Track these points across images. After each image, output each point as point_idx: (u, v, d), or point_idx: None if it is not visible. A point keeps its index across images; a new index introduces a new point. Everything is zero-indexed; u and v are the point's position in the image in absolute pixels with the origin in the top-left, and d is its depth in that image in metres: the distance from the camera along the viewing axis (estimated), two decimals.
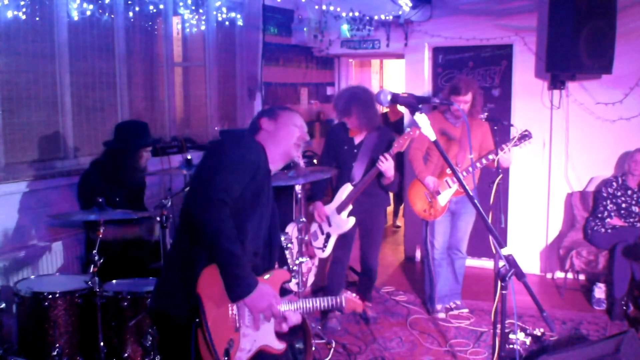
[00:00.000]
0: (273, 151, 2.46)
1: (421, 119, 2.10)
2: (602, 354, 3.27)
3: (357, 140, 4.48)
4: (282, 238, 3.86)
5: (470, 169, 4.40)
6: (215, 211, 2.14)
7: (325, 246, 4.47)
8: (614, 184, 5.14)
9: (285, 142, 2.48)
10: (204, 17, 5.52)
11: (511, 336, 3.94)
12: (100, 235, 3.13)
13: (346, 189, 4.36)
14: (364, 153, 4.42)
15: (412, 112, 2.13)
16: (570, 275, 5.44)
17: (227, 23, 5.76)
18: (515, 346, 3.86)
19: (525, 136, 4.27)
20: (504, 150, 4.21)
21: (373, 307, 4.86)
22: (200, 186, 2.23)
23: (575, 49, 5.02)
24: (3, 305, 3.11)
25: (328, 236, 4.46)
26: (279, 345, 2.43)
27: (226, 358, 2.23)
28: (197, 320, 2.20)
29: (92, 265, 3.05)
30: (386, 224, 8.14)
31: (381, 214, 4.72)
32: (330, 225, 4.42)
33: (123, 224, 3.70)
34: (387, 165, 4.14)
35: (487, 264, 5.97)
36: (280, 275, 2.49)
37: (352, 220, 4.32)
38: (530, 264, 5.92)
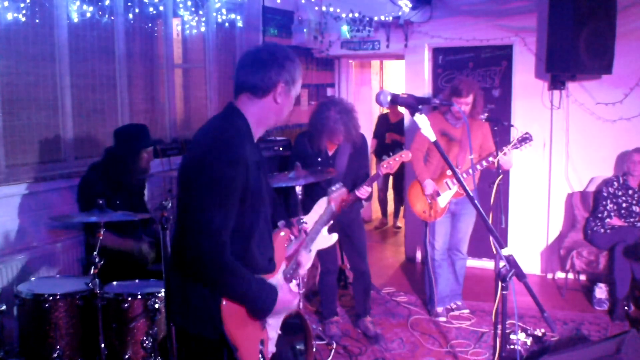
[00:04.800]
0: (267, 124, 2.20)
1: (421, 119, 2.10)
2: (603, 355, 3.26)
3: (331, 150, 4.31)
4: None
5: (471, 170, 4.40)
6: (211, 265, 1.94)
7: None
8: (615, 183, 5.14)
9: (284, 115, 2.22)
10: (203, 19, 5.52)
11: (512, 337, 3.94)
12: (101, 237, 3.13)
13: (324, 202, 3.89)
14: (340, 164, 4.26)
15: (412, 113, 2.13)
16: (571, 276, 5.43)
17: (227, 24, 5.76)
18: (516, 347, 3.86)
19: (525, 139, 4.25)
20: (504, 152, 4.21)
21: (374, 308, 4.86)
22: (189, 233, 1.96)
23: (575, 49, 5.02)
24: (4, 307, 3.11)
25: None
26: (295, 305, 2.30)
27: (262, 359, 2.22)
28: (228, 340, 2.07)
29: (93, 267, 3.05)
30: (367, 222, 8.16)
31: (358, 216, 4.50)
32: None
33: (121, 234, 3.70)
34: (368, 194, 4.05)
35: (487, 264, 5.97)
36: (280, 240, 2.37)
37: (335, 236, 3.93)
38: (531, 265, 5.92)
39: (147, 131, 3.91)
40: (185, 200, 2.02)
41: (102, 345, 3.09)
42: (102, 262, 3.09)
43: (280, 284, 2.25)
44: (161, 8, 5.03)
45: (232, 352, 2.07)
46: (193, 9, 5.34)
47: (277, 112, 2.18)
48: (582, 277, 5.60)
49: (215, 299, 2.03)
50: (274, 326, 2.30)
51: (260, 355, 2.18)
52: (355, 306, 4.71)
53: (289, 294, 2.22)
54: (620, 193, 5.11)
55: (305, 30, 6.28)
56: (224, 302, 2.03)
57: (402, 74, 6.51)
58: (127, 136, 3.80)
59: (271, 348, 2.27)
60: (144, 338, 3.19)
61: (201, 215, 1.93)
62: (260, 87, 2.11)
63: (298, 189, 3.89)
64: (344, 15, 6.15)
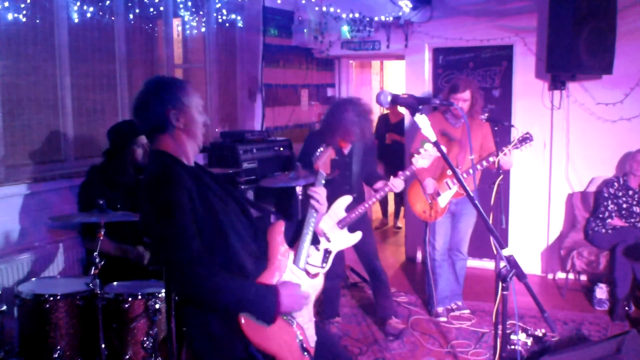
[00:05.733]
0: (190, 145, 2.25)
1: (421, 120, 2.10)
2: (604, 355, 3.27)
3: (346, 149, 4.32)
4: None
5: (471, 170, 4.39)
6: (191, 286, 2.01)
7: (324, 264, 3.89)
8: (615, 184, 5.14)
9: (199, 129, 2.26)
10: (204, 19, 5.53)
11: (512, 337, 3.94)
12: (101, 237, 3.13)
13: (345, 201, 3.94)
14: (356, 162, 4.31)
15: (412, 113, 2.13)
16: (571, 276, 5.43)
17: (227, 25, 5.76)
18: (516, 347, 3.85)
19: (526, 139, 4.24)
20: (504, 152, 4.20)
21: (373, 308, 4.85)
22: (167, 260, 2.05)
23: (576, 49, 5.02)
24: (4, 307, 3.11)
25: (327, 253, 3.87)
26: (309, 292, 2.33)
27: (306, 354, 2.24)
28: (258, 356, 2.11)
29: (93, 267, 3.05)
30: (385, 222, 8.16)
31: (365, 214, 4.41)
32: (329, 240, 3.91)
33: (120, 236, 3.70)
34: (399, 186, 4.11)
35: (488, 264, 5.97)
36: (274, 229, 2.35)
37: (359, 234, 3.94)
38: (531, 265, 5.91)
39: (134, 123, 3.91)
40: (154, 244, 2.11)
41: (103, 346, 3.09)
42: (102, 263, 3.09)
43: (292, 279, 2.26)
44: (161, 8, 5.03)
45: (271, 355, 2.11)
46: (193, 9, 5.34)
47: (190, 131, 2.25)
48: (583, 277, 5.60)
49: (233, 320, 2.08)
50: (304, 317, 2.29)
51: (302, 352, 2.22)
52: (377, 311, 4.62)
53: (292, 291, 2.20)
54: (620, 194, 5.11)
55: (305, 30, 6.28)
56: (243, 320, 2.08)
57: (402, 74, 6.51)
58: (118, 132, 3.82)
59: (311, 337, 2.30)
60: (144, 338, 3.19)
61: (168, 251, 2.02)
62: (157, 126, 2.21)
63: (298, 189, 3.89)
64: (344, 15, 6.15)
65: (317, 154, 2.85)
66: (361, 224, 4.24)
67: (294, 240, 2.41)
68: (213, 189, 2.19)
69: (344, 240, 3.96)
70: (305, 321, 2.30)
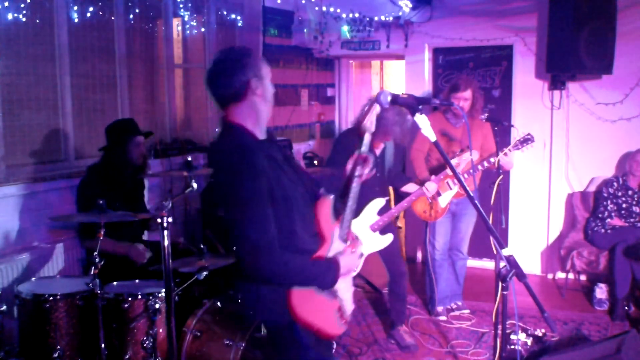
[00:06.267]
0: (264, 114, 2.29)
1: (421, 120, 2.10)
2: (604, 355, 3.27)
3: (378, 149, 4.20)
4: None
5: (472, 170, 4.39)
6: (269, 275, 2.12)
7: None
8: (615, 184, 5.14)
9: (272, 99, 2.30)
10: (204, 19, 5.53)
11: (512, 337, 3.95)
12: (101, 237, 3.12)
13: (377, 204, 3.93)
14: (387, 163, 4.26)
15: (412, 113, 2.13)
16: (571, 276, 5.43)
17: (227, 25, 5.76)
18: (516, 347, 3.86)
19: (527, 140, 4.22)
20: (505, 152, 4.20)
21: (374, 308, 4.85)
22: (240, 251, 2.12)
23: (576, 49, 5.02)
24: (4, 307, 3.10)
25: (360, 256, 3.81)
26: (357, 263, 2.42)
27: (342, 322, 2.33)
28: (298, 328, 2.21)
29: (93, 267, 3.05)
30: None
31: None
32: (361, 243, 3.89)
33: (120, 236, 3.70)
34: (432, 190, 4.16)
35: (488, 264, 5.97)
36: (323, 204, 2.38)
37: (390, 236, 3.90)
38: (531, 265, 5.92)
39: (133, 123, 3.93)
40: (229, 221, 2.15)
41: (102, 345, 3.09)
42: (102, 262, 3.09)
43: (340, 249, 2.33)
44: (161, 8, 5.03)
45: (308, 334, 2.22)
46: (193, 9, 5.34)
47: (264, 102, 2.28)
48: (583, 277, 5.60)
49: (282, 289, 2.18)
50: (344, 288, 2.36)
51: (340, 321, 2.31)
52: (391, 313, 4.49)
53: (349, 255, 2.32)
54: (620, 194, 5.11)
55: (305, 30, 6.28)
56: (292, 291, 2.18)
57: (402, 74, 6.51)
58: (114, 130, 3.84)
59: (349, 308, 2.39)
60: (144, 338, 3.18)
61: (245, 234, 2.07)
62: (237, 93, 2.22)
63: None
64: (344, 15, 6.15)
65: (362, 111, 2.77)
66: (389, 225, 4.24)
67: (336, 213, 2.46)
68: (286, 172, 2.25)
69: (376, 242, 3.98)
70: (345, 292, 2.37)
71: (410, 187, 4.34)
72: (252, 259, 2.09)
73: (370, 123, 2.50)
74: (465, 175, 4.43)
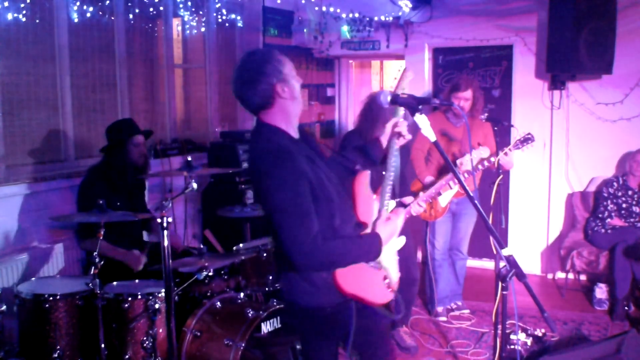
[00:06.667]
0: (296, 111, 2.31)
1: (421, 120, 2.10)
2: (604, 355, 3.26)
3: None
4: None
5: (471, 169, 4.39)
6: (320, 267, 2.19)
7: None
8: (615, 184, 5.14)
9: (300, 93, 2.30)
10: (204, 19, 5.53)
11: (512, 337, 3.94)
12: (101, 237, 3.12)
13: (389, 207, 3.89)
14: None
15: (412, 113, 2.13)
16: (571, 276, 5.43)
17: (227, 25, 5.76)
18: (516, 347, 3.86)
19: (527, 139, 4.21)
20: (505, 152, 4.20)
21: None
22: (288, 252, 2.14)
23: (575, 49, 5.02)
24: (4, 307, 3.10)
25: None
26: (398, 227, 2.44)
27: (389, 290, 2.39)
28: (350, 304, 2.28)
29: (93, 267, 3.05)
30: None
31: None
32: None
33: (120, 237, 3.70)
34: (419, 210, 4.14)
35: (488, 264, 5.97)
36: (360, 179, 2.44)
37: (403, 239, 3.89)
38: (531, 265, 5.91)
39: (132, 122, 3.94)
40: (273, 224, 2.17)
41: (102, 345, 3.09)
42: (102, 262, 3.09)
43: (381, 219, 2.37)
44: (161, 8, 5.03)
45: (359, 307, 2.28)
46: (193, 9, 5.34)
47: (293, 102, 2.29)
48: (582, 277, 5.60)
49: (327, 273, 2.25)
50: (388, 257, 2.41)
51: (387, 289, 2.38)
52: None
53: (390, 223, 2.35)
54: (620, 194, 5.11)
55: (305, 30, 6.28)
56: (337, 271, 2.24)
57: None
58: (114, 130, 3.84)
59: (395, 276, 2.45)
60: (144, 338, 3.19)
61: (289, 237, 2.10)
62: (264, 101, 2.23)
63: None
64: (344, 15, 6.14)
65: (396, 78, 2.80)
66: (404, 228, 4.20)
67: (375, 185, 2.49)
68: (323, 170, 2.28)
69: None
70: (389, 261, 2.42)
71: (406, 199, 4.20)
72: (300, 259, 2.12)
73: (402, 89, 2.48)
74: (466, 175, 4.44)
